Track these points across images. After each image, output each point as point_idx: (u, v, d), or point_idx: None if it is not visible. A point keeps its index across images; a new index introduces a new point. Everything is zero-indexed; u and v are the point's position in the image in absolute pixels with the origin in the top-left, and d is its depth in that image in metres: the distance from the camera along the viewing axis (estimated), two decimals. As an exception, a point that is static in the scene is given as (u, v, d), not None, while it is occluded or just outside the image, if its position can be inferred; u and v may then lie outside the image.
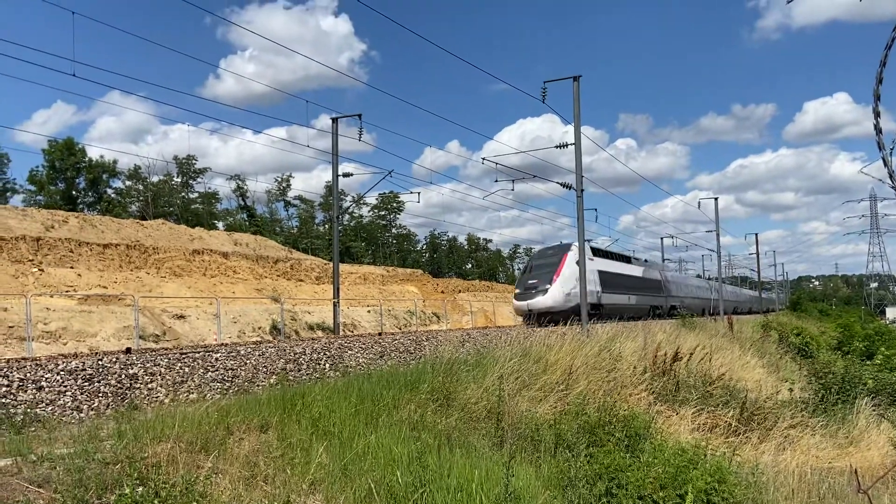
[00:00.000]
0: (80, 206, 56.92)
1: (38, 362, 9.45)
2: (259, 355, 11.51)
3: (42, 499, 4.97)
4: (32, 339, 19.68)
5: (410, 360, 13.78)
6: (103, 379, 9.09)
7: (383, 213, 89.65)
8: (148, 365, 9.73)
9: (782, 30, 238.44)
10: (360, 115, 24.37)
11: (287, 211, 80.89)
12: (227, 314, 29.72)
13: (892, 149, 5.56)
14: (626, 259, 38.86)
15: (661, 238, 65.89)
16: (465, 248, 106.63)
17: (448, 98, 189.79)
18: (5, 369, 8.39)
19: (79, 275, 31.25)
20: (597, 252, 33.59)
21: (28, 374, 8.40)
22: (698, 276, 71.49)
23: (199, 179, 69.19)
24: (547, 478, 7.10)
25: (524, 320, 28.68)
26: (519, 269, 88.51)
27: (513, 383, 10.27)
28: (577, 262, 28.29)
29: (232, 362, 10.96)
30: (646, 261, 44.26)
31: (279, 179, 79.17)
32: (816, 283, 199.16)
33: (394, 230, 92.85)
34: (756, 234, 74.63)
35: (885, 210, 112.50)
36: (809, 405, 15.42)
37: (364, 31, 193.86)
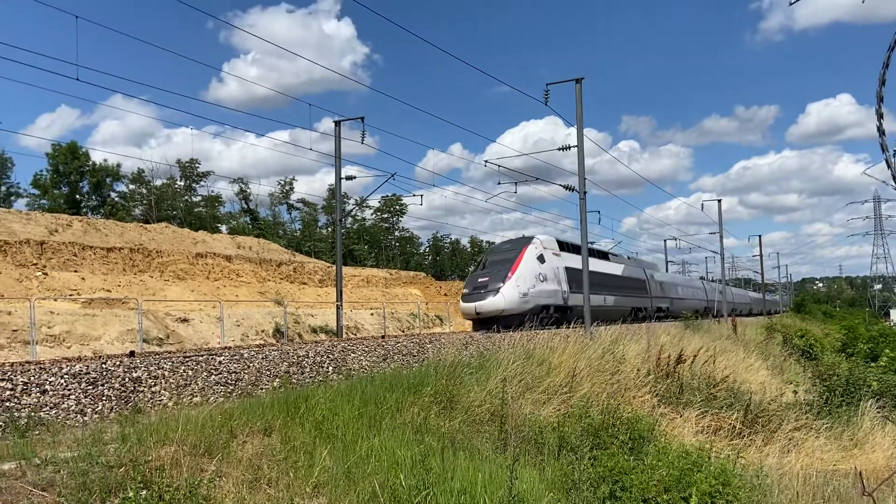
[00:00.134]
0: (84, 209, 57.12)
1: (42, 366, 9.47)
2: (262, 358, 11.51)
3: (46, 502, 4.98)
4: (36, 343, 19.73)
5: (413, 362, 13.78)
6: (107, 382, 9.10)
7: (386, 215, 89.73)
8: (151, 368, 9.75)
9: (785, 31, 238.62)
10: (362, 118, 24.46)
11: (290, 214, 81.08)
12: (231, 317, 29.75)
13: (895, 150, 5.56)
14: (603, 255, 34.98)
15: (665, 240, 65.90)
16: (468, 250, 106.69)
17: (451, 101, 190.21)
18: (9, 373, 8.41)
19: (82, 278, 31.32)
20: (564, 246, 29.77)
21: (32, 378, 8.41)
22: (701, 278, 71.37)
23: (202, 183, 69.38)
24: (551, 480, 7.09)
25: (473, 326, 25.15)
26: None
27: (516, 386, 10.26)
28: (540, 258, 25.88)
29: (235, 365, 10.97)
30: (628, 258, 40.69)
31: (282, 183, 79.31)
32: (820, 284, 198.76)
33: (396, 233, 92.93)
34: (759, 236, 74.78)
35: (890, 211, 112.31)
36: (814, 407, 15.36)
37: (367, 35, 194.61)
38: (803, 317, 73.65)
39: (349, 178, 27.04)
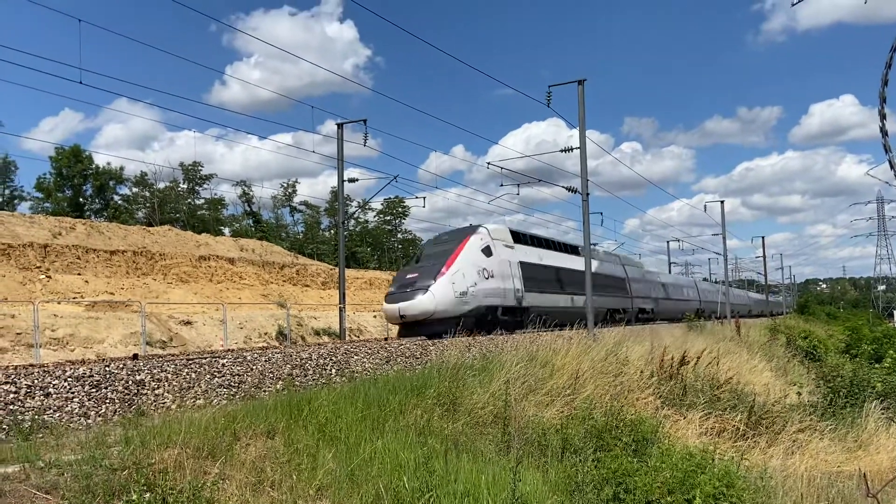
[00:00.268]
0: (87, 212, 57.22)
1: (45, 369, 9.47)
2: (265, 361, 11.52)
3: (50, 505, 4.98)
4: (40, 346, 19.77)
5: (416, 364, 13.78)
6: (110, 385, 9.11)
7: (389, 217, 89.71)
8: (155, 371, 9.76)
9: (787, 32, 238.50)
10: (365, 121, 24.50)
11: (293, 216, 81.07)
12: (234, 320, 29.77)
13: (898, 151, 5.55)
14: (571, 249, 30.50)
15: (668, 242, 65.65)
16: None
17: (453, 103, 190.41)
18: (13, 376, 8.42)
19: (86, 281, 31.39)
20: (520, 237, 25.38)
21: (36, 381, 8.43)
22: (705, 279, 71.25)
23: (205, 186, 69.44)
24: (554, 482, 7.09)
25: (399, 332, 20.94)
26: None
27: (519, 388, 10.26)
28: (486, 250, 21.87)
29: (238, 368, 10.98)
30: (605, 252, 36.60)
31: (285, 185, 79.28)
32: (824, 285, 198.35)
33: (399, 235, 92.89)
34: (763, 237, 74.83)
35: (893, 212, 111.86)
36: (818, 409, 15.34)
37: (369, 37, 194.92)
38: (807, 318, 73.53)
39: (352, 180, 27.08)
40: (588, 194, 23.10)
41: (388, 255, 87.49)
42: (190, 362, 10.58)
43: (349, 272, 48.21)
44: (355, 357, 13.23)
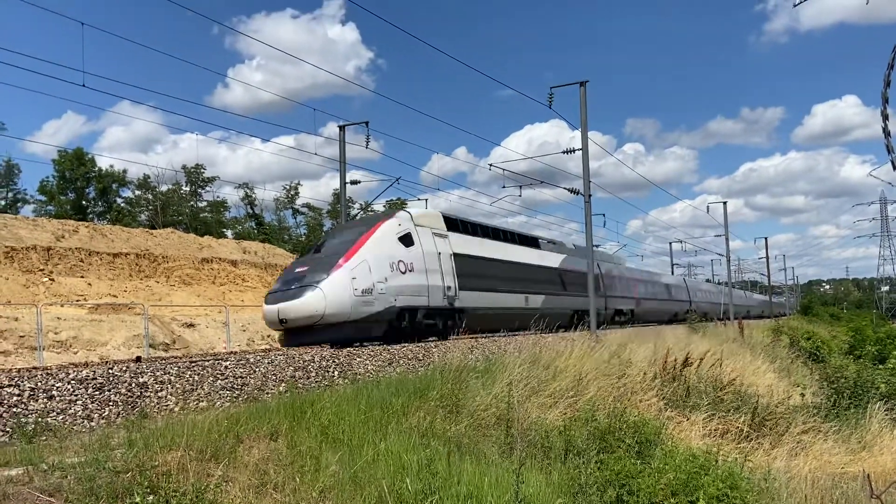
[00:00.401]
0: (90, 215, 57.31)
1: (48, 371, 9.48)
2: (268, 363, 11.52)
3: (53, 508, 4.99)
4: (43, 349, 19.81)
5: (419, 367, 13.77)
6: (114, 388, 9.12)
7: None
8: (158, 373, 9.76)
9: (790, 33, 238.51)
10: (367, 123, 24.48)
11: (295, 219, 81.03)
12: (237, 322, 29.79)
13: (901, 151, 5.54)
14: (530, 241, 25.78)
15: (671, 243, 65.60)
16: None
17: (455, 104, 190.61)
18: (17, 378, 8.43)
19: (89, 284, 31.45)
20: (456, 225, 20.59)
21: (39, 384, 8.44)
22: (708, 280, 71.16)
23: (207, 188, 69.53)
24: (557, 484, 7.08)
25: (281, 339, 16.40)
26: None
27: (522, 390, 10.25)
28: (405, 239, 17.52)
29: (241, 370, 10.98)
30: (574, 246, 30.02)
31: (287, 187, 79.24)
32: (827, 286, 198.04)
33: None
34: (766, 238, 74.69)
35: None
36: (821, 410, 15.32)
37: (371, 39, 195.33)
38: (810, 319, 73.44)
39: (354, 182, 27.09)
40: (590, 196, 23.11)
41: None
42: (193, 364, 10.58)
43: (352, 274, 48.10)
44: (358, 359, 13.23)
